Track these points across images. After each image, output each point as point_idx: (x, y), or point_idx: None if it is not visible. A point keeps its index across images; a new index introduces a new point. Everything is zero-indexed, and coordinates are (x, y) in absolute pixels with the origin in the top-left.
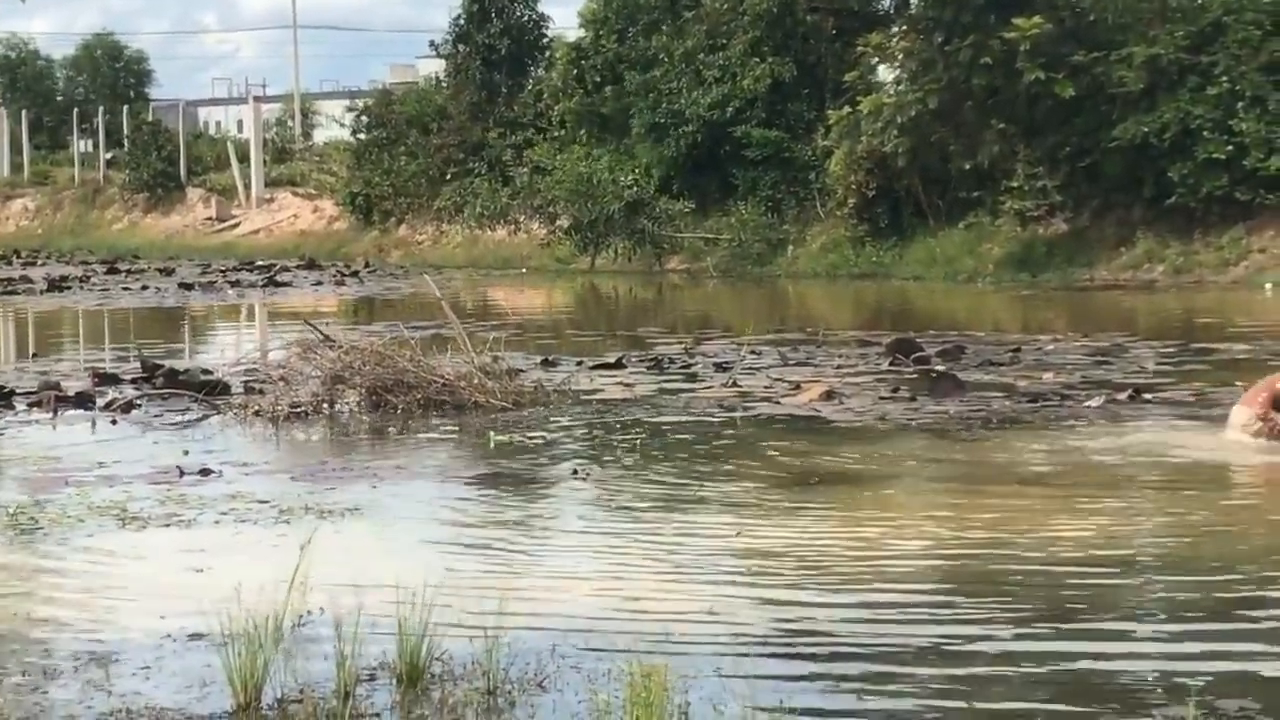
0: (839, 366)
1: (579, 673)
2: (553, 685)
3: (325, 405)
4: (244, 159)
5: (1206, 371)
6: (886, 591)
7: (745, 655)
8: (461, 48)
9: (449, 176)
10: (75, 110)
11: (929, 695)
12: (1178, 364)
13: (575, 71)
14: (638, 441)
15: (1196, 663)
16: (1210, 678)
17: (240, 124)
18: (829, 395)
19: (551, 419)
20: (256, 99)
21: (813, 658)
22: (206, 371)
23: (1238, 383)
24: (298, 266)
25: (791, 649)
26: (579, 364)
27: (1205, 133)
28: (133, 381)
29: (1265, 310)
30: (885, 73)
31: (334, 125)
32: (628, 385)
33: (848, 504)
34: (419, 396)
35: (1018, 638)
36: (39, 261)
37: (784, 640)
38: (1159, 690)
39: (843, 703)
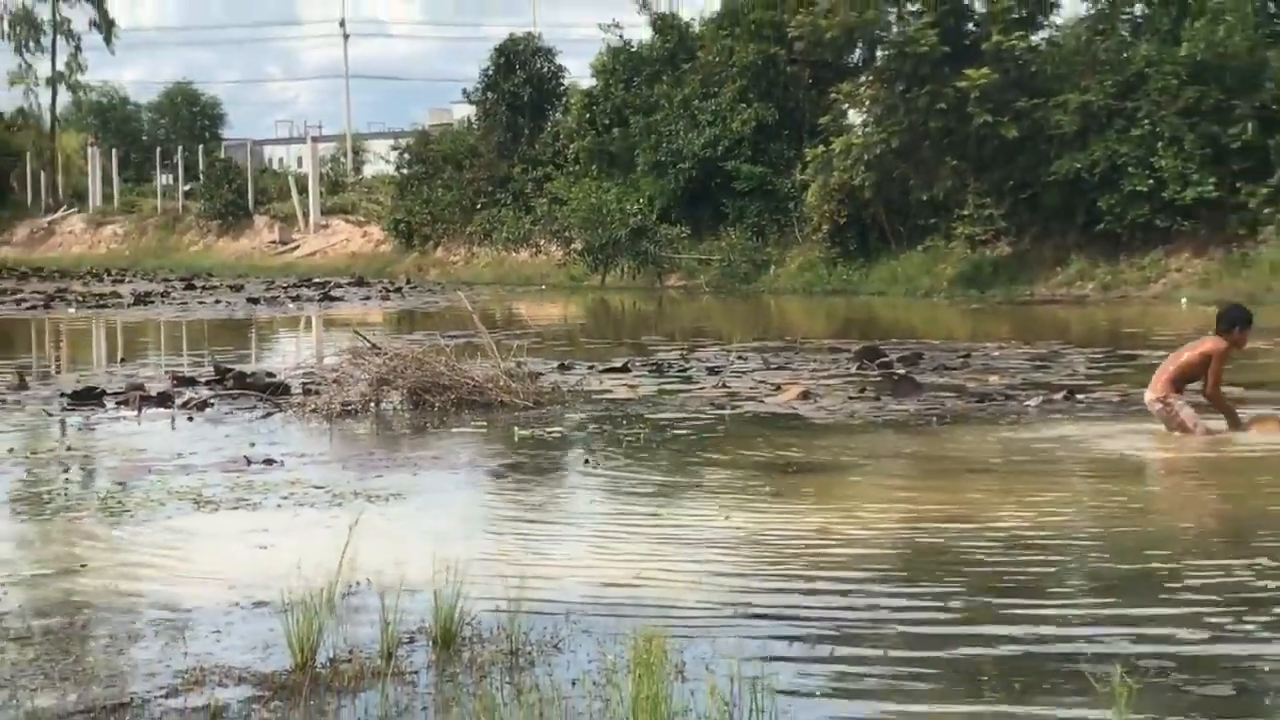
0: (814, 370)
1: (589, 636)
2: (566, 647)
3: (372, 404)
4: (303, 190)
5: (1130, 374)
6: (853, 567)
7: (733, 621)
8: (490, 95)
9: (479, 206)
10: (158, 149)
11: (889, 658)
12: (1105, 368)
13: (587, 115)
14: (641, 436)
15: (1122, 627)
16: (1134, 645)
17: (300, 160)
18: (805, 395)
19: (567, 416)
20: (314, 139)
21: (790, 621)
22: (270, 375)
23: None
24: (349, 283)
25: (772, 616)
26: (590, 368)
27: (1130, 169)
28: (207, 383)
29: (1181, 321)
30: (854, 116)
31: (380, 161)
32: (632, 386)
33: (822, 490)
34: (453, 396)
35: (967, 608)
36: (126, 279)
37: (766, 608)
38: (1089, 654)
39: (816, 662)
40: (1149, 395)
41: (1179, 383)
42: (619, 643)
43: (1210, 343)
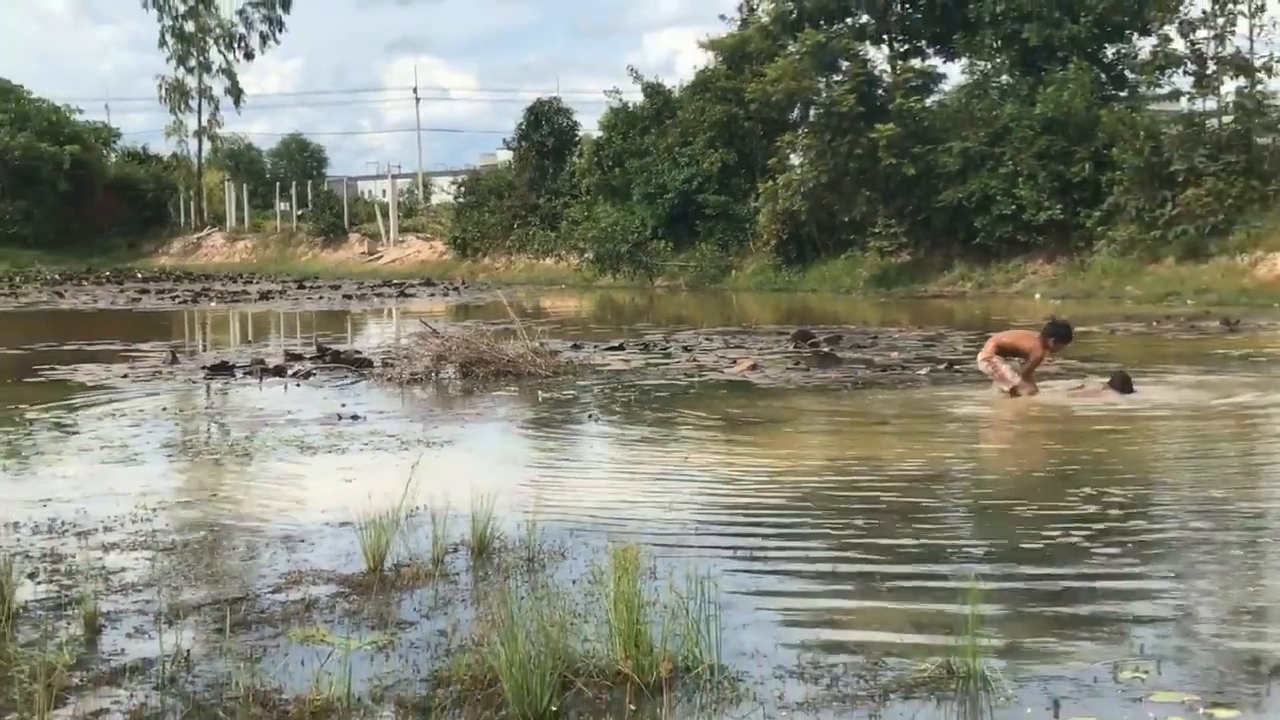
0: (761, 349)
1: (586, 547)
2: (569, 555)
3: (432, 374)
4: (385, 214)
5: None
6: (784, 496)
7: (691, 537)
8: (523, 143)
9: (515, 226)
10: (277, 184)
11: (809, 566)
12: (978, 346)
13: (596, 159)
14: (631, 398)
15: (979, 540)
16: (986, 554)
17: (383, 192)
18: (754, 367)
19: (577, 383)
20: (393, 176)
21: (734, 537)
22: (358, 352)
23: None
24: (419, 284)
25: (720, 533)
26: (595, 347)
27: (998, 197)
28: (311, 358)
29: (1034, 311)
30: (794, 159)
31: (443, 193)
32: (626, 361)
33: (763, 438)
34: (493, 369)
35: (868, 527)
36: (253, 281)
37: (717, 527)
38: (953, 557)
39: (753, 568)
40: (980, 358)
41: (1002, 353)
42: (605, 553)
43: (1034, 341)
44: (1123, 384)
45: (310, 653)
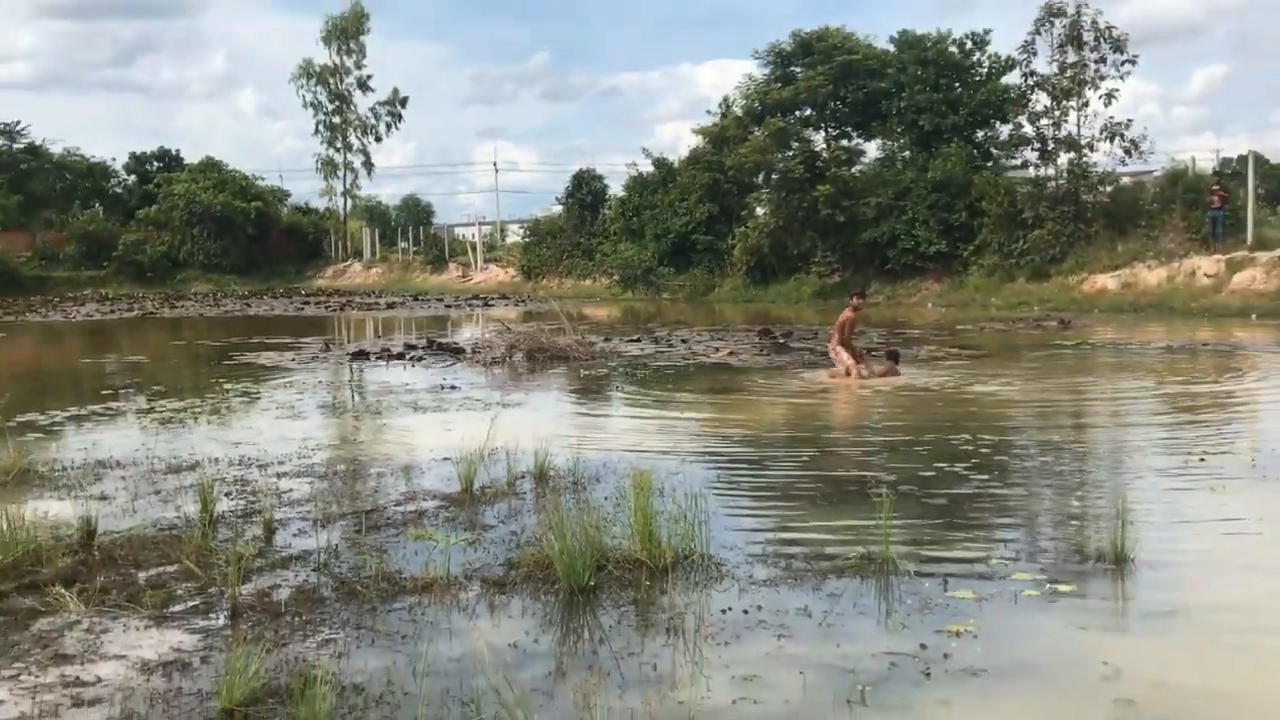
0: (736, 341)
1: (615, 474)
2: (603, 479)
3: (506, 359)
4: (474, 250)
5: (897, 343)
6: (753, 439)
7: (688, 466)
8: (570, 200)
9: (564, 257)
10: (399, 229)
11: (770, 487)
12: (887, 340)
13: (620, 210)
14: (645, 374)
15: (889, 465)
16: (892, 474)
17: (473, 234)
18: (732, 354)
19: (607, 364)
20: (479, 223)
21: (719, 468)
22: (455, 343)
23: (910, 348)
24: (497, 298)
25: (709, 464)
26: (620, 340)
27: (901, 237)
28: (422, 347)
29: (925, 316)
30: (759, 210)
31: (514, 235)
32: (642, 350)
33: (738, 400)
34: (549, 354)
35: (811, 459)
36: (382, 296)
37: (706, 460)
38: (871, 480)
39: (731, 489)
40: (830, 346)
41: (840, 338)
42: (628, 478)
43: (844, 312)
44: (893, 356)
45: (421, 546)
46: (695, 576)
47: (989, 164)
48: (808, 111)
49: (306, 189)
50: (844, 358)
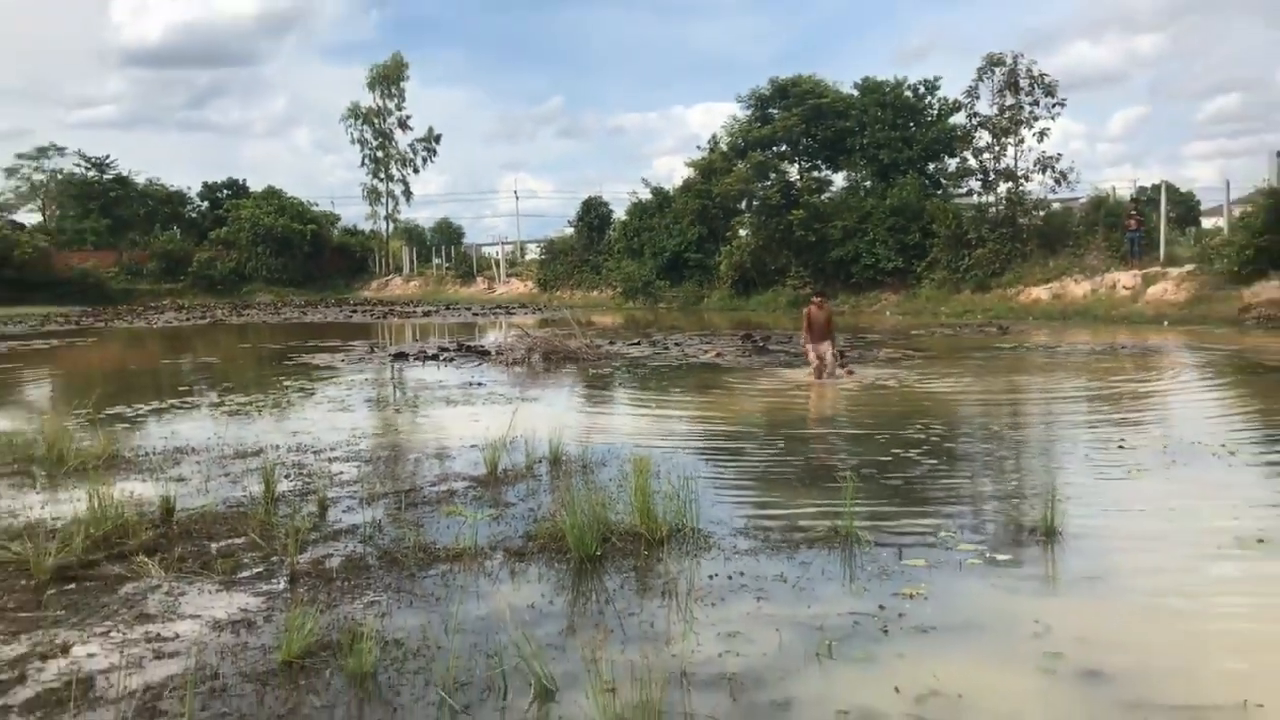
0: (724, 344)
1: (618, 459)
2: (608, 464)
3: (526, 360)
4: (498, 265)
5: (862, 346)
6: (737, 429)
7: (681, 452)
8: (580, 222)
9: (575, 272)
10: (433, 248)
11: (752, 468)
12: (850, 345)
13: (623, 232)
14: (644, 372)
15: (852, 451)
16: (856, 460)
17: (497, 251)
18: (719, 355)
19: (612, 365)
20: (502, 243)
21: (706, 453)
22: (481, 346)
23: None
24: (518, 307)
25: (699, 450)
26: (623, 342)
27: (864, 255)
28: (452, 349)
29: (884, 323)
30: (742, 232)
31: (533, 253)
32: (642, 351)
33: (723, 395)
34: (562, 356)
35: (786, 446)
36: (418, 305)
37: (697, 446)
38: (838, 464)
39: (718, 472)
40: (804, 345)
41: (810, 336)
42: (629, 462)
43: (808, 307)
44: (842, 356)
45: (453, 521)
46: (687, 547)
47: (939, 192)
48: (783, 147)
49: (354, 213)
50: (809, 354)
